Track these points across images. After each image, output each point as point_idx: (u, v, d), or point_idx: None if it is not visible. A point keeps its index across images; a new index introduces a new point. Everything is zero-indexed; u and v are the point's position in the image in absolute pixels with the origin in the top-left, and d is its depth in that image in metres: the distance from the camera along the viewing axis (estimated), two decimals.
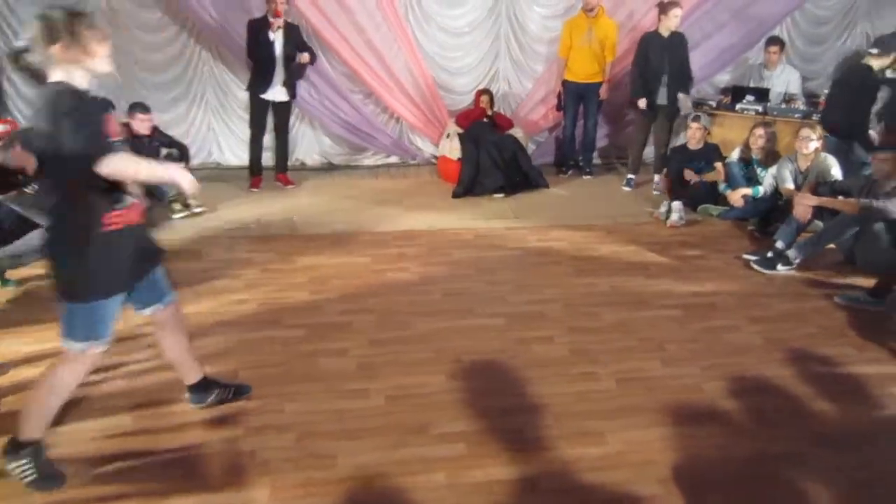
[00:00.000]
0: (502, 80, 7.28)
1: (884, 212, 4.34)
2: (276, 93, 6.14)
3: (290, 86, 6.19)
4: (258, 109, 6.24)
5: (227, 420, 2.99)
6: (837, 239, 4.68)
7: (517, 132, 6.74)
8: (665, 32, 6.09)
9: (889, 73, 5.46)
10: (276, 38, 5.91)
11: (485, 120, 6.63)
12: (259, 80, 6.09)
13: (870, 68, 5.16)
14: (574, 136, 6.95)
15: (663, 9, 6.05)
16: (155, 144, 5.65)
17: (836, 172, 4.95)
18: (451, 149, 6.60)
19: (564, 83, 6.70)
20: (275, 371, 3.37)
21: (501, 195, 6.26)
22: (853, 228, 4.57)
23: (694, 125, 5.92)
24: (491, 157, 6.27)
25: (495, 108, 6.88)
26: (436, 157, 7.18)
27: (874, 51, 5.06)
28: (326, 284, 4.37)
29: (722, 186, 5.75)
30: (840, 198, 4.69)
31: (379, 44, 6.69)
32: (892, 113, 5.53)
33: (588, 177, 6.98)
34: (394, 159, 7.43)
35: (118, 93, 6.59)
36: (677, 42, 6.15)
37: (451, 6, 6.91)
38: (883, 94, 5.36)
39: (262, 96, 6.12)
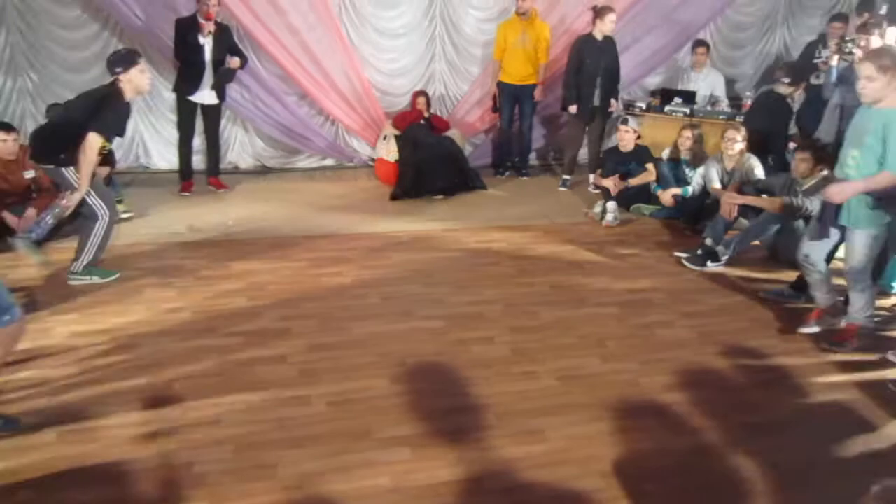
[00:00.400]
0: (438, 82, 7.30)
1: (803, 208, 4.54)
2: (205, 95, 5.97)
3: (220, 89, 6.03)
4: (186, 112, 6.05)
5: (161, 433, 2.88)
6: (762, 235, 4.89)
7: (454, 134, 6.77)
8: (599, 36, 6.23)
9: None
10: (207, 41, 5.76)
11: (422, 122, 6.62)
12: (187, 83, 5.91)
13: (782, 96, 5.48)
14: (510, 138, 7.03)
15: (599, 14, 6.18)
16: None
17: (760, 172, 5.16)
18: (389, 151, 6.57)
19: (500, 85, 6.77)
20: (211, 381, 3.27)
21: (439, 197, 6.27)
22: (776, 225, 4.77)
23: (622, 128, 6.06)
24: (428, 159, 6.26)
25: (432, 110, 6.88)
26: (373, 160, 7.13)
27: (785, 80, 5.41)
28: (263, 290, 4.28)
29: (653, 186, 5.91)
30: (763, 196, 4.89)
31: (313, 45, 6.60)
32: (807, 117, 5.84)
33: (525, 178, 7.06)
34: (330, 162, 7.34)
35: (36, 94, 6.35)
36: (610, 46, 6.31)
37: (385, 7, 6.88)
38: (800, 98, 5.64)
39: (190, 98, 5.94)
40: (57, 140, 4.08)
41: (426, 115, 6.69)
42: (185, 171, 6.23)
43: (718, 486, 2.70)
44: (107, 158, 5.52)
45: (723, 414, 3.14)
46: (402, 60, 7.12)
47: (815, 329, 3.92)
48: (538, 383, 3.35)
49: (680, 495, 2.63)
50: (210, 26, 5.72)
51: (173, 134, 6.41)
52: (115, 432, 2.87)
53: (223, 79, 5.99)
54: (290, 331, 3.78)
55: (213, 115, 6.19)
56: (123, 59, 4.14)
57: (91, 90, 4.31)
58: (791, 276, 4.59)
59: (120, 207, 5.40)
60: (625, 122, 6.11)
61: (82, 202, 4.19)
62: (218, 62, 5.87)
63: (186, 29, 5.75)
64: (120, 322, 3.81)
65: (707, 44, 7.16)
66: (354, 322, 3.89)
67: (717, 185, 5.32)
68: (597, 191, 6.13)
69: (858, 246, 3.55)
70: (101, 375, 3.28)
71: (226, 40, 5.93)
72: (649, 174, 5.91)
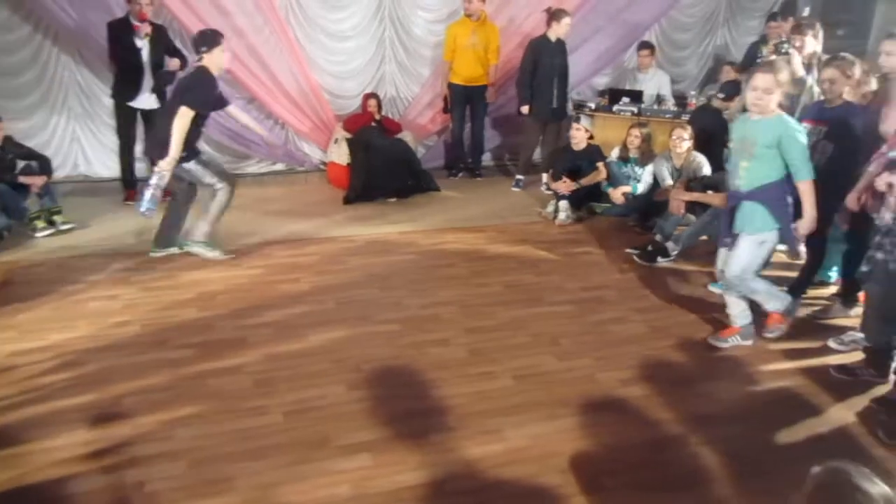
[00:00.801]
0: (389, 84, 7.27)
1: None
2: (145, 100, 5.77)
3: (160, 93, 5.82)
4: (125, 118, 5.84)
5: (109, 452, 2.78)
6: (709, 231, 4.99)
7: (406, 136, 6.75)
8: (553, 38, 6.29)
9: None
10: (144, 43, 5.59)
11: (373, 124, 6.58)
12: (125, 88, 5.72)
13: (718, 111, 5.68)
14: (462, 139, 7.05)
15: (556, 16, 6.26)
16: (9, 157, 5.13)
17: (707, 170, 5.29)
18: (340, 154, 6.51)
19: (451, 86, 6.78)
20: (163, 395, 3.18)
21: (393, 200, 6.24)
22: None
23: (575, 126, 6.14)
24: (381, 161, 6.23)
25: (383, 113, 6.85)
26: (325, 163, 7.05)
27: (720, 95, 5.70)
28: (215, 300, 4.18)
29: (604, 185, 6.00)
30: (710, 192, 5.01)
31: (260, 47, 6.50)
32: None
33: (478, 179, 7.09)
34: (280, 166, 7.23)
35: None
36: (563, 47, 6.40)
37: (333, 9, 6.81)
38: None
39: (130, 104, 5.75)
40: (166, 137, 4.47)
41: (377, 117, 6.65)
42: (128, 180, 6.04)
43: (675, 477, 2.75)
44: (43, 167, 5.31)
45: (677, 406, 3.20)
46: (352, 63, 7.07)
47: (776, 333, 3.90)
48: (495, 383, 3.36)
49: (638, 488, 2.67)
50: (146, 28, 5.55)
51: (114, 140, 6.21)
52: (58, 454, 2.75)
53: (163, 82, 5.78)
54: (244, 340, 3.70)
55: (154, 120, 5.96)
56: (209, 40, 4.53)
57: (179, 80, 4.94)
58: None
59: (59, 219, 5.23)
60: (577, 120, 6.19)
61: (182, 174, 4.64)
62: (156, 65, 5.68)
63: (119, 31, 5.55)
64: (63, 338, 3.67)
65: (652, 45, 7.32)
66: (311, 329, 3.84)
67: (669, 182, 5.43)
68: (549, 191, 6.19)
69: (742, 251, 3.54)
70: (44, 395, 3.15)
71: (163, 41, 5.75)
72: (600, 173, 5.99)
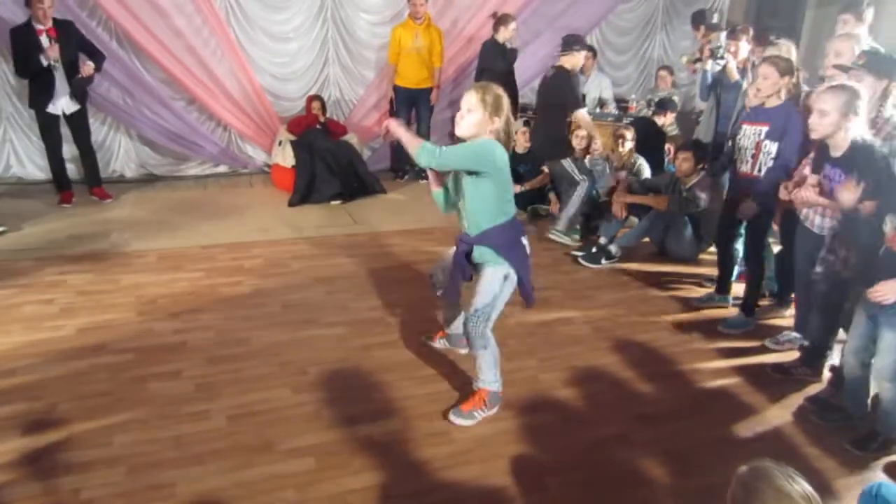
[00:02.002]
0: (333, 86, 7.23)
1: (697, 199, 4.80)
2: (64, 104, 5.53)
3: (79, 95, 5.59)
4: (47, 124, 5.57)
5: (44, 458, 2.70)
6: (651, 232, 5.14)
7: (351, 138, 6.72)
8: (501, 41, 6.36)
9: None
10: (51, 46, 5.31)
11: (318, 127, 6.53)
12: (38, 94, 5.44)
13: (654, 122, 6.24)
14: None
15: (503, 21, 6.35)
16: None
17: (647, 171, 5.44)
18: (285, 156, 6.44)
19: (395, 89, 6.79)
20: (101, 401, 3.09)
21: (338, 202, 6.21)
22: (663, 222, 5.03)
23: (521, 130, 6.21)
24: (326, 164, 6.19)
25: (328, 115, 6.80)
26: (269, 166, 6.97)
27: (660, 111, 6.31)
28: (155, 304, 4.09)
29: (547, 187, 6.10)
30: (651, 195, 5.15)
31: (201, 49, 6.39)
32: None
33: (424, 181, 7.07)
34: (223, 168, 7.11)
35: None
36: (510, 51, 6.48)
37: (274, 10, 6.74)
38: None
39: (48, 110, 5.50)
40: (557, 139, 5.49)
41: (322, 119, 6.61)
42: (60, 182, 5.83)
43: (615, 476, 2.81)
44: None
45: (619, 406, 3.28)
46: (295, 64, 7.00)
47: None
48: (444, 385, 3.38)
49: (579, 487, 2.72)
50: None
51: None
52: None
53: (80, 86, 5.55)
54: (185, 345, 3.63)
55: (78, 124, 5.71)
56: (581, 42, 5.54)
57: (549, 87, 5.60)
58: (679, 269, 4.90)
59: None
60: (527, 123, 6.27)
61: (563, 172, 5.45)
62: (69, 63, 5.42)
63: (23, 37, 5.27)
64: None
65: (593, 49, 7.48)
66: (254, 332, 3.79)
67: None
68: None
69: (485, 283, 3.03)
70: None
71: (73, 39, 5.46)
72: (545, 176, 6.08)
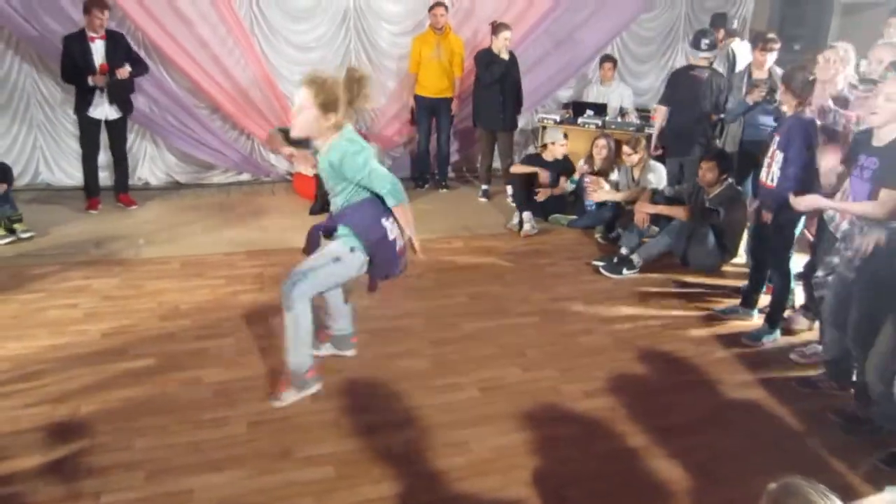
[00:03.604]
0: None
1: (716, 212, 4.76)
2: (105, 111, 5.73)
3: (121, 102, 5.78)
4: (88, 128, 5.79)
5: (66, 463, 2.73)
6: (673, 243, 5.07)
7: (372, 147, 6.72)
8: (496, 50, 6.34)
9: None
10: (98, 53, 5.54)
11: None
12: (82, 99, 5.67)
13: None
14: (429, 151, 7.07)
15: (495, 30, 6.33)
16: None
17: (654, 180, 5.44)
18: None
19: (416, 98, 6.81)
20: (122, 405, 3.12)
21: None
22: (685, 233, 4.97)
23: (560, 142, 6.18)
24: None
25: None
26: (290, 174, 7.01)
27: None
28: (177, 310, 4.12)
29: (570, 186, 6.08)
30: (673, 205, 5.09)
31: (224, 58, 6.46)
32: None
33: (444, 190, 7.11)
34: (246, 176, 7.17)
35: None
36: (512, 60, 6.44)
37: (297, 21, 6.81)
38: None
39: (90, 114, 5.69)
40: (693, 133, 5.36)
41: None
42: (90, 188, 5.96)
43: (637, 488, 2.78)
44: (3, 175, 5.24)
45: (640, 418, 3.24)
46: None
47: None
48: (461, 395, 3.36)
49: (600, 499, 2.69)
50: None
51: (76, 149, 6.15)
52: (15, 465, 2.70)
53: (119, 90, 5.72)
54: (206, 351, 3.65)
55: (117, 131, 5.92)
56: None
57: (692, 85, 5.36)
58: (701, 279, 4.84)
59: (19, 227, 5.14)
60: (565, 135, 6.26)
61: None
62: (114, 74, 5.63)
63: (75, 44, 5.50)
64: (22, 346, 3.60)
65: (614, 58, 7.46)
66: (273, 340, 3.80)
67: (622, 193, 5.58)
68: (513, 203, 6.20)
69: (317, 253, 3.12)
70: (0, 405, 3.08)
71: (121, 50, 5.68)
72: (563, 187, 6.10)
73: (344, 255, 3.03)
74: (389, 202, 3.00)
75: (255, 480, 2.68)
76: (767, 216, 3.83)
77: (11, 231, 5.11)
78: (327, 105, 2.84)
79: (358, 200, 3.01)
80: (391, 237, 3.05)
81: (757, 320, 4.28)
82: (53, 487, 2.59)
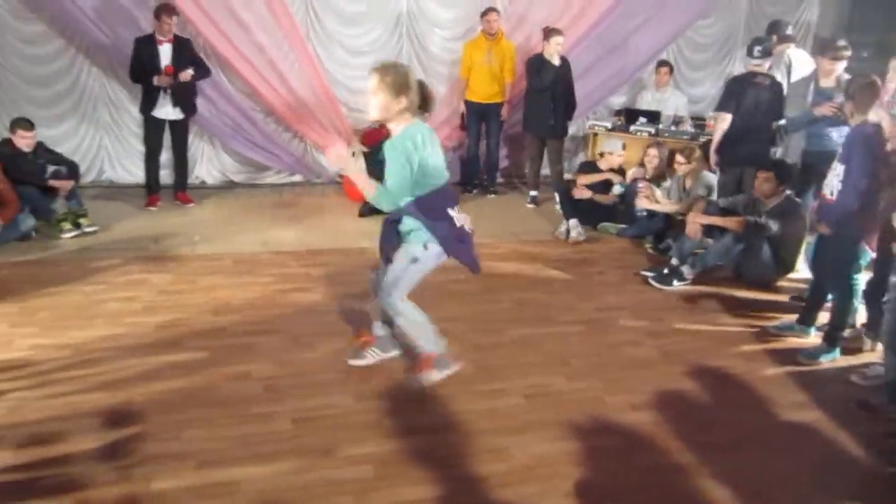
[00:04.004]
0: None
1: (766, 227, 4.65)
2: (169, 111, 5.96)
3: (184, 104, 5.99)
4: (152, 128, 6.04)
5: (120, 449, 2.83)
6: (725, 255, 4.96)
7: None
8: (548, 56, 6.32)
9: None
10: (165, 56, 5.78)
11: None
12: (147, 99, 5.92)
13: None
14: (478, 156, 7.09)
15: (546, 35, 6.31)
16: (40, 162, 5.34)
17: (701, 190, 5.32)
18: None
19: (466, 103, 6.83)
20: (174, 396, 3.22)
21: None
22: (739, 245, 4.86)
23: (618, 152, 6.13)
24: None
25: None
26: (341, 176, 7.12)
27: None
28: (229, 306, 4.23)
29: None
30: (727, 216, 4.98)
31: (280, 62, 6.61)
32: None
33: (492, 195, 7.11)
34: (298, 178, 7.31)
35: (1, 109, 6.25)
36: (564, 66, 6.41)
37: (352, 26, 6.92)
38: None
39: (154, 114, 5.93)
40: (756, 142, 5.20)
41: None
42: (151, 186, 6.19)
43: None
44: (71, 172, 5.49)
45: (686, 433, 3.17)
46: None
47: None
48: (504, 401, 3.36)
49: None
50: (168, 37, 5.77)
51: (139, 148, 6.39)
52: (72, 448, 2.81)
53: (183, 92, 5.93)
54: (255, 346, 3.74)
55: (179, 131, 6.15)
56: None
57: (755, 93, 5.21)
58: (755, 294, 4.71)
59: (84, 221, 5.36)
60: (623, 147, 6.21)
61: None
62: (177, 77, 5.85)
63: (145, 46, 5.75)
64: (82, 336, 3.75)
65: (670, 64, 7.34)
66: (320, 338, 3.87)
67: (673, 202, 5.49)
68: (561, 211, 6.17)
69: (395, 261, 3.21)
70: (60, 390, 3.22)
71: (187, 54, 5.91)
72: (611, 196, 6.04)
73: (419, 254, 3.15)
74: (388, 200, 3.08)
75: (298, 476, 2.73)
76: (825, 230, 3.72)
77: (77, 225, 5.34)
78: (397, 86, 2.92)
79: (423, 193, 3.05)
80: (458, 224, 3.15)
81: (814, 339, 4.14)
82: (107, 472, 2.69)
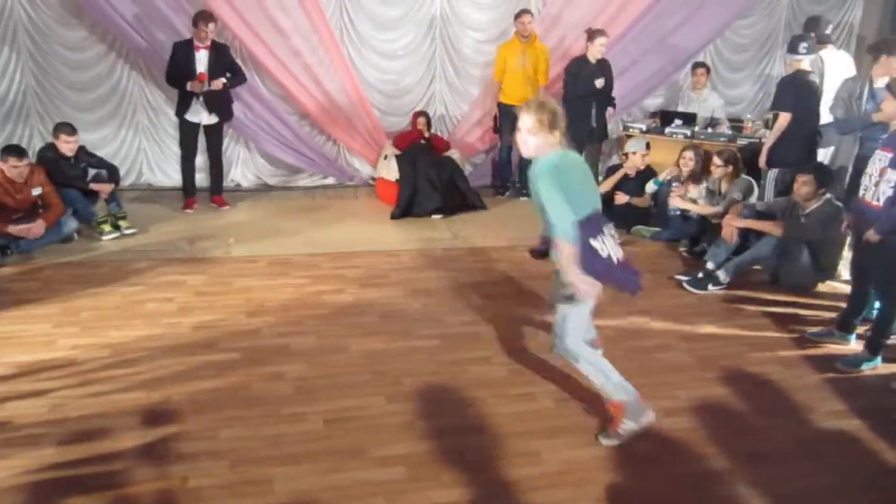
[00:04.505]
0: (438, 103, 7.36)
1: (805, 231, 4.56)
2: (203, 116, 6.05)
3: (218, 109, 6.07)
4: (187, 132, 6.15)
5: (157, 447, 2.89)
6: (763, 259, 4.87)
7: (454, 154, 6.81)
8: (591, 58, 6.29)
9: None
10: (202, 62, 5.86)
11: (422, 142, 6.67)
12: (182, 103, 6.02)
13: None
14: (510, 158, 7.07)
15: (590, 37, 6.26)
16: (82, 165, 5.47)
17: (736, 195, 5.20)
18: (389, 170, 6.61)
19: (500, 106, 6.82)
20: (209, 396, 3.28)
21: (439, 216, 6.29)
22: (777, 249, 4.77)
23: (642, 152, 6.07)
24: (428, 178, 6.30)
25: (432, 130, 6.93)
26: (373, 179, 7.17)
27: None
28: (262, 307, 4.29)
29: (652, 188, 5.94)
30: (764, 220, 4.89)
31: (315, 66, 6.69)
32: None
33: (525, 198, 7.07)
34: (331, 180, 7.38)
35: (44, 112, 6.44)
36: (604, 67, 6.36)
37: (386, 30, 6.96)
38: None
39: (188, 118, 6.02)
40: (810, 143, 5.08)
41: (426, 135, 6.74)
42: (187, 189, 6.30)
43: None
44: (111, 175, 5.61)
45: (720, 440, 3.11)
46: (403, 81, 7.19)
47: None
48: (535, 405, 3.34)
49: None
50: (206, 43, 5.85)
51: (176, 151, 6.53)
52: (112, 445, 2.88)
53: (213, 98, 5.99)
54: (288, 348, 3.79)
55: (214, 135, 6.24)
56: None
57: (812, 92, 5.07)
58: (793, 299, 4.63)
59: (123, 224, 5.49)
60: (647, 146, 6.14)
61: None
62: (209, 84, 5.93)
63: (182, 51, 5.85)
64: (121, 336, 3.84)
65: (707, 65, 7.22)
66: (352, 340, 3.90)
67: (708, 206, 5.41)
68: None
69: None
70: (101, 389, 3.30)
71: (223, 60, 6.00)
72: (645, 199, 5.97)
73: (574, 291, 2.93)
74: (554, 233, 2.90)
75: (330, 476, 2.75)
76: (874, 237, 3.60)
77: (117, 227, 5.47)
78: (552, 123, 2.92)
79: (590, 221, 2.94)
80: (603, 255, 2.93)
81: (854, 346, 4.04)
82: (146, 469, 2.75)
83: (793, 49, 5.23)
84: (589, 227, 2.90)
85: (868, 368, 3.79)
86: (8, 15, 6.12)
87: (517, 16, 6.56)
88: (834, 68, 5.68)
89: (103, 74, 6.52)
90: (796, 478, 2.90)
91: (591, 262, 2.87)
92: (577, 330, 3.03)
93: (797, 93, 5.14)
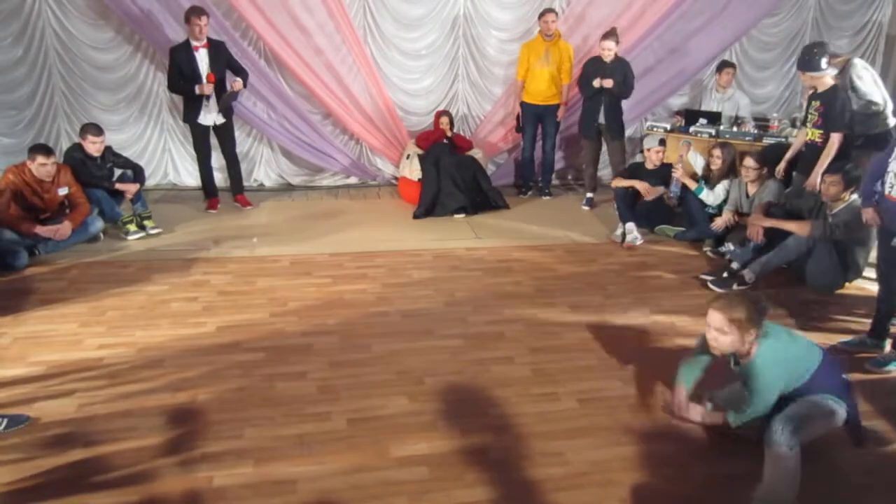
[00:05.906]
0: (461, 102, 7.35)
1: (832, 232, 4.48)
2: (212, 117, 6.01)
3: (225, 110, 6.03)
4: (198, 135, 6.10)
5: (182, 445, 2.92)
6: (789, 259, 4.80)
7: (477, 153, 6.80)
8: (606, 59, 6.25)
9: None
10: (202, 62, 5.80)
11: (444, 141, 6.66)
12: (189, 107, 5.98)
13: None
14: (533, 158, 7.05)
15: (601, 38, 6.28)
16: (108, 165, 5.54)
17: (767, 196, 5.12)
18: (411, 170, 6.61)
19: (522, 105, 6.80)
20: (233, 395, 3.31)
21: (462, 216, 6.29)
22: (803, 249, 4.69)
23: (655, 149, 6.01)
24: (451, 177, 6.30)
25: (455, 130, 6.92)
26: (396, 178, 7.19)
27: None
28: (285, 306, 4.31)
29: (695, 189, 5.84)
30: (791, 219, 4.82)
31: (338, 65, 6.71)
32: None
33: (547, 198, 7.06)
34: (353, 180, 7.41)
35: (71, 112, 6.53)
36: (618, 67, 6.30)
37: (409, 29, 6.97)
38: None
39: (199, 121, 5.99)
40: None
41: (449, 134, 6.73)
42: (208, 190, 6.33)
43: None
44: (137, 176, 5.68)
45: (747, 443, 3.07)
46: (426, 81, 7.19)
47: None
48: (559, 405, 3.33)
49: None
50: (202, 41, 5.76)
51: None
52: (138, 443, 2.92)
53: (228, 101, 5.98)
54: (311, 347, 3.81)
55: (224, 135, 6.19)
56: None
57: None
58: (821, 298, 4.55)
59: (149, 223, 5.55)
60: (662, 143, 6.09)
61: None
62: (218, 81, 5.88)
63: (181, 54, 5.77)
64: (147, 336, 3.88)
65: (733, 64, 7.12)
66: (375, 339, 3.91)
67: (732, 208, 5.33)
68: (617, 213, 6.07)
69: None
70: (127, 389, 3.34)
71: (223, 57, 5.93)
72: (665, 194, 5.92)
73: (840, 413, 2.87)
74: (730, 418, 2.98)
75: (353, 476, 2.76)
76: None
77: (142, 227, 5.54)
78: (743, 322, 2.76)
79: (822, 371, 2.87)
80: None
81: (888, 350, 3.95)
82: (172, 468, 2.78)
83: (815, 66, 4.80)
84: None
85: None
86: (35, 16, 6.22)
87: (541, 15, 6.53)
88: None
89: (130, 75, 6.59)
90: (822, 479, 2.86)
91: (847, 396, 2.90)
92: (812, 435, 2.81)
93: (845, 108, 4.91)
